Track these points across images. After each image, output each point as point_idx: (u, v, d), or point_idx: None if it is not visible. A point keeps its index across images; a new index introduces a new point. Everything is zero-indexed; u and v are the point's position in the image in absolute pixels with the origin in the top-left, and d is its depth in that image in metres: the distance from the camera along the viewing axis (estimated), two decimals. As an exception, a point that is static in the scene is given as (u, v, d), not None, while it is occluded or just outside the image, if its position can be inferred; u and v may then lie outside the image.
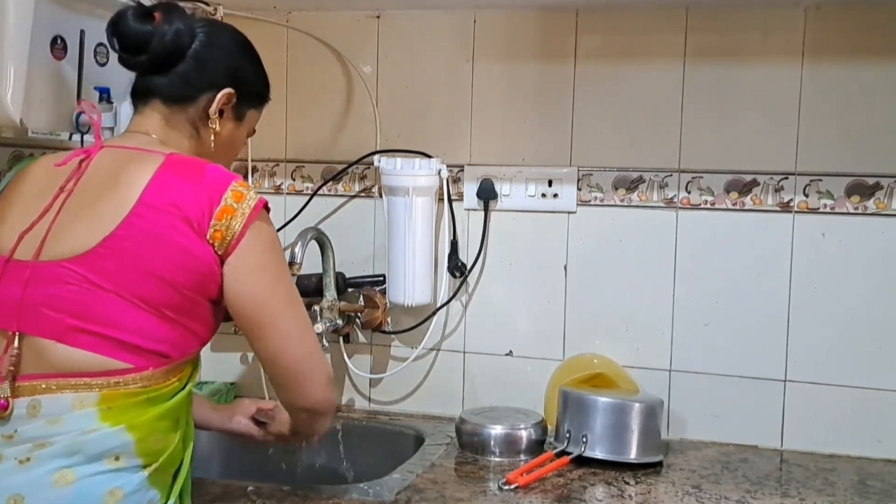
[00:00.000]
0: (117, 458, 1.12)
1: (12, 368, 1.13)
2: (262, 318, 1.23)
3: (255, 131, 1.45)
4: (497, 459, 1.71)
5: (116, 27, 1.27)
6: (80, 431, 1.11)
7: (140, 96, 1.31)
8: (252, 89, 1.37)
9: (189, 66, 1.28)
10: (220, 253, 1.19)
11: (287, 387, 1.30)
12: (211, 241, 1.18)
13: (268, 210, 1.25)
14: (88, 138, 1.47)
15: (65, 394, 1.12)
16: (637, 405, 1.70)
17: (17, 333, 1.14)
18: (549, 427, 1.80)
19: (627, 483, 1.59)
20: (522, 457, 1.71)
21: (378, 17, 2.00)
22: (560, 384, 1.81)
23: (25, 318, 1.15)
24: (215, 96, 1.30)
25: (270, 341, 1.25)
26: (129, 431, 1.13)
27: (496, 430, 1.74)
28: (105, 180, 1.20)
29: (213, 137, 1.32)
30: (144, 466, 1.14)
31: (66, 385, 1.12)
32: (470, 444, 1.75)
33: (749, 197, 1.82)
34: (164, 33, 1.26)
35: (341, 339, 2.02)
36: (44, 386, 1.12)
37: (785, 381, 1.82)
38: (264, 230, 1.23)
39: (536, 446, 1.75)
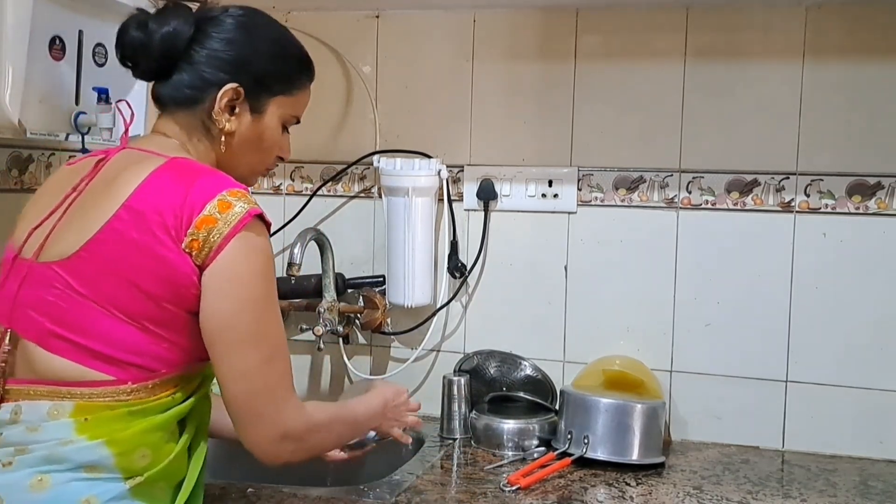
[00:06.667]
0: (95, 469, 1.09)
1: (3, 365, 1.13)
2: (218, 343, 1.14)
3: (298, 120, 1.34)
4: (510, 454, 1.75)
5: (119, 38, 1.24)
6: (58, 442, 1.09)
7: (156, 102, 1.27)
8: (268, 77, 1.26)
9: (189, 67, 1.22)
10: (198, 264, 1.11)
11: (231, 419, 1.18)
12: (188, 251, 1.11)
13: (267, 225, 1.18)
14: (87, 139, 1.47)
15: (42, 401, 1.10)
16: (638, 406, 1.69)
17: (10, 331, 1.14)
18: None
19: (628, 484, 1.59)
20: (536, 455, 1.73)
21: (377, 16, 2.00)
22: (582, 385, 1.82)
23: (16, 318, 1.15)
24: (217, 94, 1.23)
25: (219, 368, 1.15)
26: (108, 446, 1.09)
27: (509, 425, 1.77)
28: (111, 183, 1.16)
29: (223, 139, 1.24)
30: (125, 479, 1.11)
31: (44, 392, 1.11)
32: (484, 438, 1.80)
33: (750, 197, 1.82)
34: (155, 39, 1.21)
35: (341, 340, 2.01)
36: (26, 391, 1.12)
37: (786, 381, 1.82)
38: (249, 245, 1.13)
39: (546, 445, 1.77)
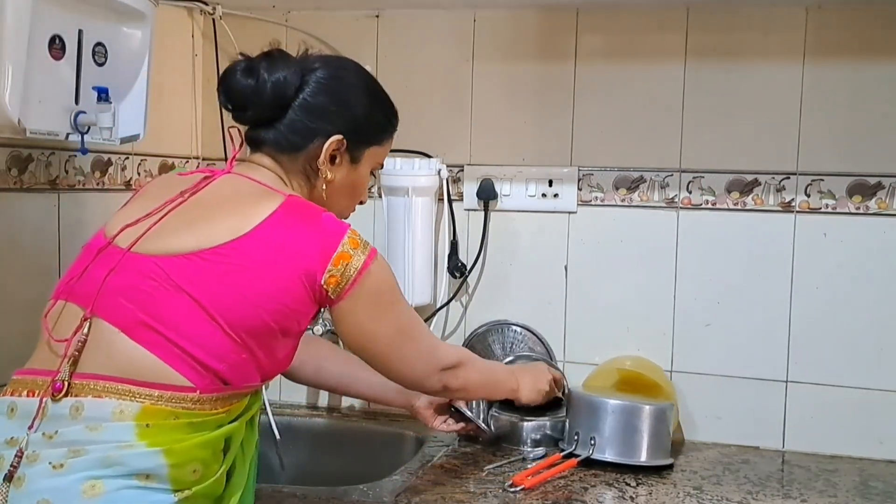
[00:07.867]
0: (148, 478, 1.09)
1: (76, 353, 1.13)
2: (371, 350, 1.34)
3: (382, 165, 1.44)
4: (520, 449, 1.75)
5: (223, 83, 1.29)
6: (117, 444, 1.08)
7: (252, 144, 1.33)
8: (367, 129, 1.35)
9: (295, 116, 1.29)
10: (332, 297, 1.22)
11: (403, 386, 1.46)
12: (325, 286, 1.21)
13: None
14: (88, 139, 1.46)
15: (108, 398, 1.10)
16: (646, 408, 1.68)
17: (91, 320, 1.14)
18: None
19: (629, 485, 1.58)
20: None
21: (377, 16, 2.00)
22: (593, 386, 1.81)
23: (103, 303, 1.15)
24: (323, 145, 1.30)
25: (379, 365, 1.38)
26: (165, 456, 1.09)
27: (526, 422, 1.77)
28: (223, 202, 1.23)
29: (324, 186, 1.32)
30: (174, 491, 1.11)
31: (112, 389, 1.10)
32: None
33: (750, 197, 1.82)
34: (266, 87, 1.26)
35: (340, 341, 2.01)
36: (92, 386, 1.11)
37: (786, 381, 1.82)
38: (378, 274, 1.26)
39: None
